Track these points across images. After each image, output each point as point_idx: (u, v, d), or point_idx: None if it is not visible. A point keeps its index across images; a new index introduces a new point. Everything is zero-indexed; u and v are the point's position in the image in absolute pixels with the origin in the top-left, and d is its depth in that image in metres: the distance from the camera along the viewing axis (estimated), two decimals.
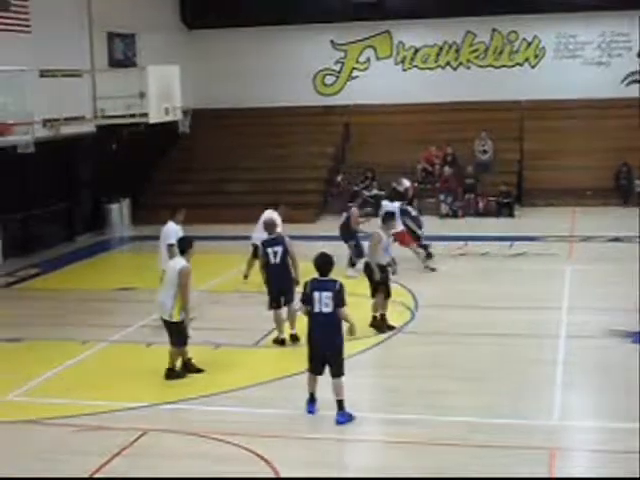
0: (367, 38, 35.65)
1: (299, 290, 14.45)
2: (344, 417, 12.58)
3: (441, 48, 35.26)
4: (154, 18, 32.92)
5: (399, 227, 21.51)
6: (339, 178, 32.33)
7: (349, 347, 15.27)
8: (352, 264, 21.69)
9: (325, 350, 12.74)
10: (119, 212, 30.24)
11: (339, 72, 36.10)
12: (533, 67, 34.76)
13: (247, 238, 21.24)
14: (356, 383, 13.81)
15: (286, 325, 16.46)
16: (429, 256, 22.84)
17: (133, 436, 12.31)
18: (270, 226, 16.95)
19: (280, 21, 34.88)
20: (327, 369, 12.80)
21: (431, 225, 28.74)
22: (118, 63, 30.07)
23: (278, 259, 16.26)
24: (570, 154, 32.39)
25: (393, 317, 17.37)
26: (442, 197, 31.17)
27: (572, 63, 34.34)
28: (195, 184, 32.54)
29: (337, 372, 12.71)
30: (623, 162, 31.51)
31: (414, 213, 23.62)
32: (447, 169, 31.88)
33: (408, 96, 34.40)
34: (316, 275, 13.01)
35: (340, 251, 21.39)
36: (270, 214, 19.51)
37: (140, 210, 31.13)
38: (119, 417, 13.17)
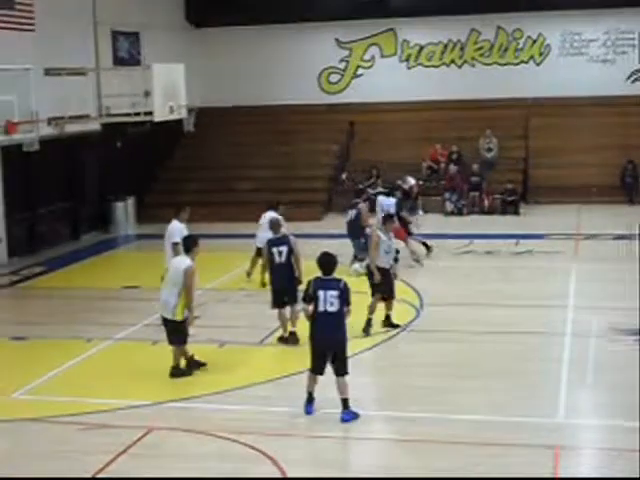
0: (372, 36, 35.62)
1: (300, 288, 14.47)
2: (349, 415, 12.57)
3: (446, 46, 35.22)
4: (159, 16, 32.92)
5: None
6: (344, 176, 32.31)
7: (354, 345, 15.32)
8: (360, 259, 21.53)
9: (329, 349, 12.70)
10: (124, 210, 30.22)
11: (344, 70, 36.09)
12: (538, 65, 34.70)
13: (252, 236, 21.22)
14: (361, 381, 13.81)
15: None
16: (428, 249, 22.91)
17: (138, 434, 12.30)
18: (276, 225, 16.97)
19: (285, 19, 34.85)
20: (329, 368, 12.77)
21: (436, 223, 28.94)
22: (122, 61, 30.09)
23: (283, 258, 16.25)
24: (575, 152, 32.34)
25: (397, 315, 17.36)
26: (447, 195, 31.16)
27: (577, 61, 34.28)
28: (200, 182, 32.54)
29: (342, 371, 12.68)
30: (629, 159, 31.46)
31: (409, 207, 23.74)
32: (452, 167, 31.85)
33: (413, 94, 34.39)
34: (319, 274, 12.99)
35: (345, 249, 21.41)
36: (271, 214, 19.55)
37: (145, 208, 31.13)
38: (124, 415, 13.15)
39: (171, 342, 14.77)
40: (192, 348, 15.04)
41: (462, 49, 35.10)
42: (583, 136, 32.82)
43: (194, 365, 14.94)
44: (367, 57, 35.85)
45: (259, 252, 20.06)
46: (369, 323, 16.63)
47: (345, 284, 12.80)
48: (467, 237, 26.15)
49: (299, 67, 35.65)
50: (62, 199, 28.34)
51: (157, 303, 15.10)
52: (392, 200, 23.09)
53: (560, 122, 33.21)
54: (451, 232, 27.13)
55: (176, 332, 14.63)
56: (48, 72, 24.58)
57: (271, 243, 16.47)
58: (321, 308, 12.66)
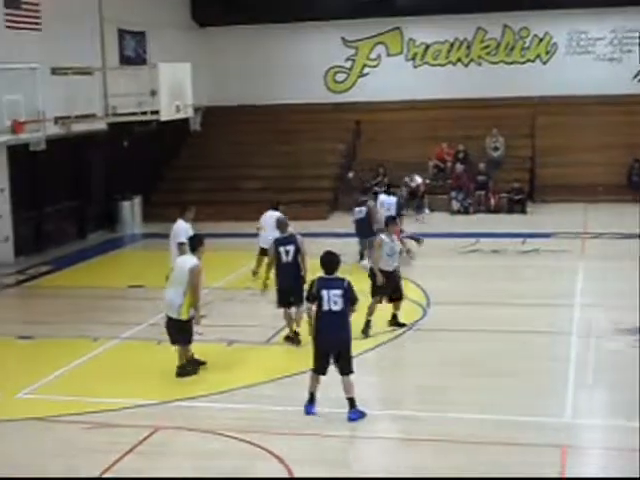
0: (378, 35, 35.59)
1: (304, 288, 14.46)
2: (356, 414, 12.56)
3: (452, 44, 35.19)
4: (165, 15, 32.95)
5: None
6: (350, 175, 32.29)
7: (360, 344, 15.34)
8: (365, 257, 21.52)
9: (332, 349, 12.67)
10: (130, 210, 30.23)
11: (350, 69, 36.07)
12: (545, 63, 34.65)
13: (258, 235, 21.23)
14: (367, 380, 13.81)
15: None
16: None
17: (144, 433, 12.31)
18: (283, 225, 16.95)
19: (291, 18, 34.83)
20: (332, 368, 12.74)
21: (443, 222, 28.96)
22: (129, 61, 30.09)
23: (290, 258, 16.22)
24: (582, 150, 32.29)
25: (404, 314, 17.34)
26: (454, 194, 31.11)
27: (584, 59, 34.21)
28: (206, 181, 32.55)
29: (346, 370, 12.66)
30: (635, 158, 31.43)
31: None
32: (459, 166, 31.83)
33: (419, 93, 34.37)
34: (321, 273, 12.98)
35: (347, 248, 21.38)
36: (271, 214, 19.57)
37: (151, 207, 31.12)
38: (130, 414, 13.16)
39: (176, 342, 14.77)
40: (199, 347, 15.06)
41: (468, 48, 35.06)
42: (589, 135, 32.77)
43: (194, 364, 14.93)
44: (373, 56, 35.82)
45: (263, 252, 20.12)
46: (368, 325, 16.54)
47: (348, 283, 12.78)
48: (473, 236, 26.10)
49: (305, 66, 35.62)
50: (69, 198, 28.36)
51: (162, 302, 15.10)
52: (393, 199, 23.08)
53: (566, 121, 33.16)
54: (457, 231, 27.14)
55: (181, 331, 14.62)
56: (55, 71, 24.59)
57: (278, 242, 16.44)
58: (325, 307, 12.62)
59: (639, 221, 25.62)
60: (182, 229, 17.34)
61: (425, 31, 35.27)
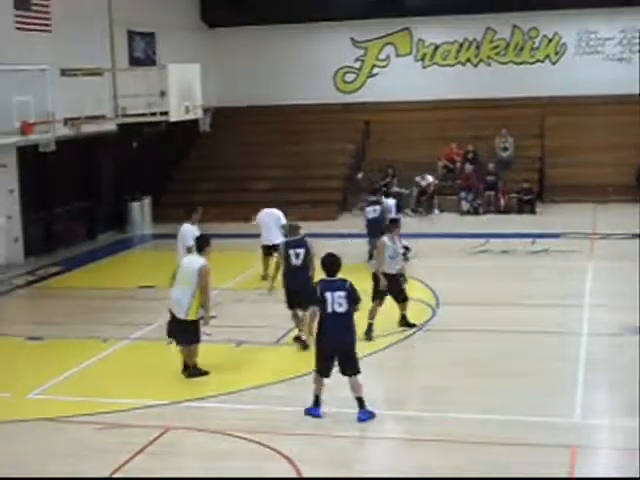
0: (387, 35, 35.59)
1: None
2: (365, 415, 12.55)
3: (461, 45, 35.16)
4: (174, 16, 33.00)
5: None
6: (359, 175, 32.30)
7: (370, 345, 15.36)
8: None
9: (337, 350, 12.64)
10: (140, 210, 30.28)
11: (359, 69, 36.07)
12: (554, 64, 34.61)
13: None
14: (376, 381, 13.83)
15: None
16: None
17: (154, 434, 12.33)
18: (294, 228, 16.91)
19: (300, 19, 34.83)
20: (337, 369, 12.73)
21: (452, 222, 28.95)
22: (138, 62, 30.15)
23: (300, 261, 16.18)
24: (591, 151, 32.24)
25: (414, 315, 17.34)
26: (463, 194, 31.11)
27: (593, 59, 34.16)
28: (216, 182, 32.59)
29: (353, 370, 12.64)
30: None
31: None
32: (468, 166, 31.81)
33: (428, 93, 34.34)
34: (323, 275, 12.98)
35: (358, 249, 21.38)
36: (267, 211, 19.72)
37: (161, 208, 31.16)
38: (140, 415, 13.18)
39: (181, 342, 14.77)
40: (208, 348, 15.07)
41: (478, 48, 35.03)
42: (599, 135, 32.72)
43: (188, 366, 14.91)
44: (382, 56, 35.81)
45: (266, 251, 20.13)
46: (370, 328, 16.44)
47: (351, 284, 12.76)
48: (483, 236, 26.08)
49: (314, 66, 35.64)
50: (78, 199, 28.43)
51: (168, 301, 15.07)
52: (392, 201, 23.09)
53: (576, 121, 33.13)
54: (467, 231, 27.12)
55: (187, 332, 14.59)
56: (64, 73, 24.67)
57: (288, 245, 16.40)
58: (329, 309, 12.59)
59: None
60: (189, 232, 17.36)
61: (434, 31, 35.25)
